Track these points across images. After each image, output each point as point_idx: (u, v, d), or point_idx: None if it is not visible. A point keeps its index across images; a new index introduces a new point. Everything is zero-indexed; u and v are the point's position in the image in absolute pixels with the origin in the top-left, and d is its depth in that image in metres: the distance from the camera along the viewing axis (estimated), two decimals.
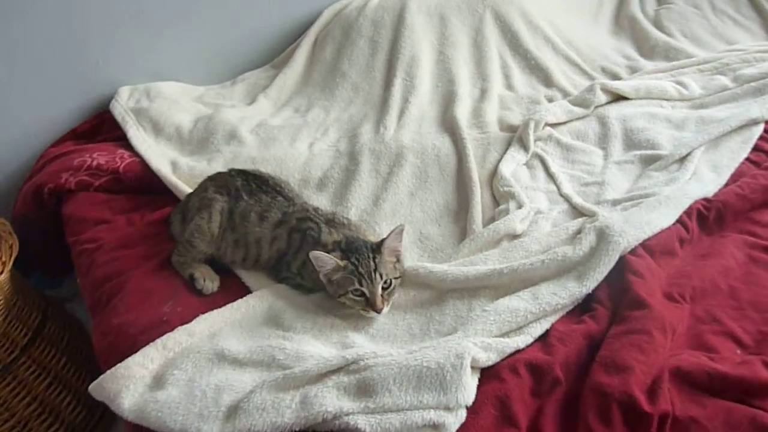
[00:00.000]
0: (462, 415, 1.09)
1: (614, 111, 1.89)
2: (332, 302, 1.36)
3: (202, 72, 2.27)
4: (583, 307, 1.31)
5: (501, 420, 1.11)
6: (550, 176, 1.71)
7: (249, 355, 1.24)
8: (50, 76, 2.03)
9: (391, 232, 1.32)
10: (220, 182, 1.55)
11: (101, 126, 2.04)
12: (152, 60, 2.18)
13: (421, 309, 1.36)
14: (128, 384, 1.20)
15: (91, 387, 1.22)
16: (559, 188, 1.66)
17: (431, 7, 2.21)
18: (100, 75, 2.11)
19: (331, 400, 1.11)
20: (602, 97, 1.92)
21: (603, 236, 1.35)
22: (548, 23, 2.26)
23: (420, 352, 1.17)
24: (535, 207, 1.57)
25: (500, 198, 1.63)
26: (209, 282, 1.45)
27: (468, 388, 1.11)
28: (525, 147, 1.78)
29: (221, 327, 1.33)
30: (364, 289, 1.30)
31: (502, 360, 1.19)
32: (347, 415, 1.08)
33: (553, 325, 1.26)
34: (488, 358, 1.17)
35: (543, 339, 1.24)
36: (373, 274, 1.30)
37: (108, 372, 1.22)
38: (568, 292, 1.28)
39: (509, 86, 2.09)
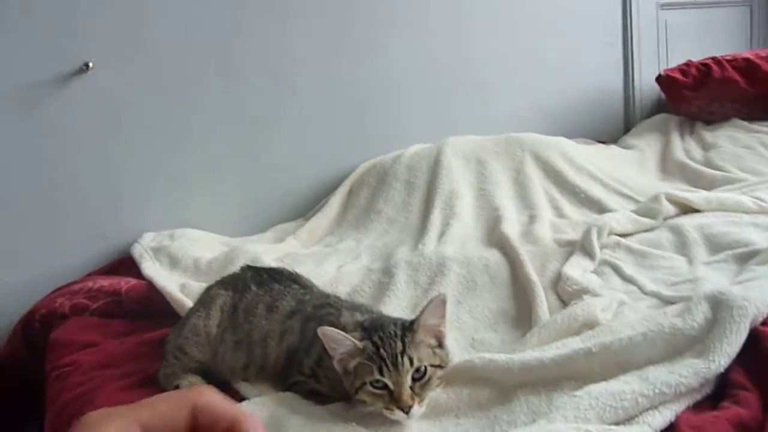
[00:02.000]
0: None
1: (688, 221, 1.57)
2: (354, 408, 0.94)
3: (233, 225, 2.08)
4: (716, 396, 0.86)
5: None
6: (627, 280, 1.34)
7: None
8: (73, 223, 1.87)
9: (428, 303, 0.96)
10: (227, 279, 1.24)
11: (119, 268, 1.80)
12: (182, 211, 2.02)
13: (480, 411, 0.92)
14: None
15: None
16: (641, 288, 1.28)
17: (467, 152, 2.06)
18: (126, 224, 1.94)
19: None
20: (669, 208, 1.61)
21: (720, 304, 0.95)
22: (592, 165, 2.06)
23: None
24: (617, 298, 1.19)
25: (570, 298, 1.25)
26: None
27: None
28: (590, 254, 1.44)
29: None
30: (386, 380, 0.89)
31: None
32: None
33: (678, 415, 0.81)
34: None
35: None
36: (399, 357, 0.90)
37: None
38: (691, 369, 0.85)
39: (560, 215, 1.82)
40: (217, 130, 2.03)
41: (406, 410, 0.88)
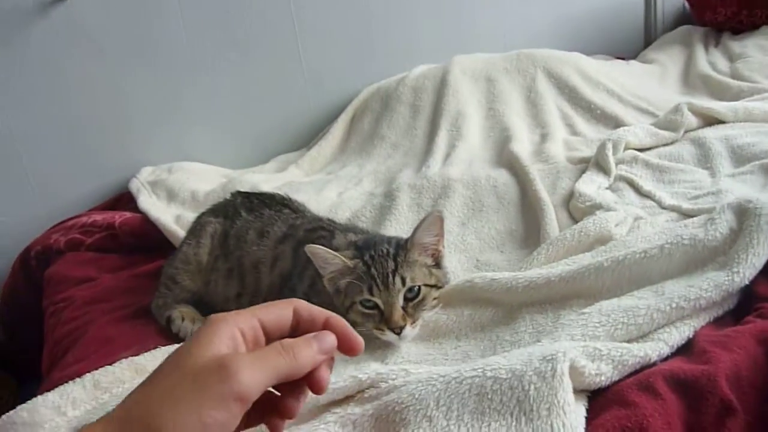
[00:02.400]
0: None
1: (711, 132, 1.45)
2: None
3: (234, 157, 2.01)
4: (739, 311, 0.79)
5: None
6: (644, 196, 1.24)
7: None
8: (70, 160, 1.81)
9: (423, 220, 0.88)
10: (217, 206, 1.17)
11: (117, 203, 1.75)
12: (181, 144, 1.95)
13: (482, 332, 0.86)
14: None
15: None
16: (659, 203, 1.19)
17: (475, 71, 1.93)
18: (125, 159, 1.88)
19: None
20: (692, 120, 1.49)
21: (746, 212, 0.86)
22: (609, 80, 1.92)
23: (479, 360, 0.67)
24: (633, 213, 1.10)
25: (582, 216, 1.17)
26: (189, 323, 1.02)
27: (569, 412, 0.59)
28: (605, 170, 1.34)
29: None
30: (376, 299, 0.84)
31: (625, 378, 0.67)
32: None
33: (697, 331, 0.74)
34: (599, 370, 0.66)
35: (687, 350, 0.72)
36: (390, 276, 0.84)
37: (4, 417, 0.76)
38: (712, 282, 0.77)
39: (574, 133, 1.71)
40: (216, 57, 1.92)
41: (398, 331, 0.83)
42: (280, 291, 1.00)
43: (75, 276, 1.31)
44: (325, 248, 0.85)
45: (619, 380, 0.67)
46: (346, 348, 0.53)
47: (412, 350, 0.84)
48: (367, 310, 0.85)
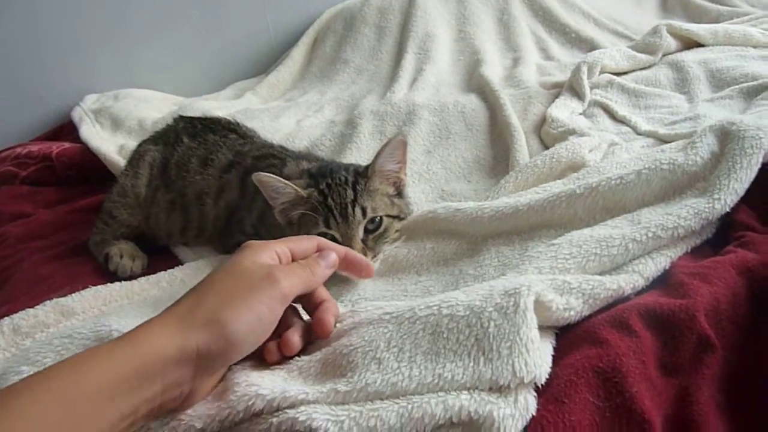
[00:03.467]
0: (527, 403, 0.51)
1: (690, 56, 1.37)
2: None
3: (187, 84, 1.87)
4: (717, 240, 0.73)
5: (610, 414, 0.52)
6: (619, 122, 1.17)
7: None
8: (9, 83, 1.66)
9: (385, 145, 0.79)
10: (157, 133, 1.06)
11: (59, 134, 1.62)
12: (130, 70, 1.80)
13: (444, 266, 0.79)
14: None
15: None
16: (635, 128, 1.12)
17: None
18: (67, 84, 1.73)
19: (269, 381, 0.54)
20: (671, 43, 1.41)
21: (729, 135, 0.79)
22: (584, 1, 1.82)
23: (435, 297, 0.60)
24: (608, 138, 1.03)
25: (554, 142, 1.09)
26: (128, 260, 0.93)
27: (533, 351, 0.53)
28: (579, 95, 1.26)
29: (121, 304, 0.78)
30: (334, 232, 0.76)
31: (597, 313, 0.61)
32: (298, 405, 0.51)
33: (674, 262, 0.68)
34: (568, 305, 0.60)
35: (663, 282, 0.66)
36: (350, 207, 0.76)
37: None
38: (691, 210, 0.70)
39: (548, 57, 1.61)
40: None
41: None
42: (227, 224, 0.92)
43: (8, 211, 1.20)
44: (276, 177, 0.76)
45: (590, 316, 0.61)
46: (360, 273, 0.69)
47: (369, 286, 0.77)
48: None
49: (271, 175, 0.76)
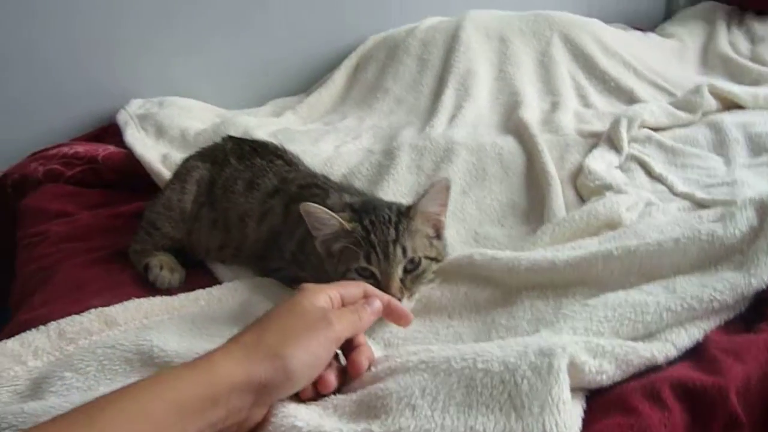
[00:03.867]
0: None
1: (730, 117, 1.38)
2: None
3: (229, 96, 1.91)
4: (752, 315, 0.74)
5: None
6: (656, 179, 1.18)
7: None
8: (57, 84, 1.71)
9: (430, 187, 0.82)
10: (206, 150, 1.09)
11: (103, 135, 1.66)
12: (175, 77, 1.84)
13: (477, 314, 0.81)
14: None
15: None
16: (671, 188, 1.13)
17: (489, 29, 1.83)
18: (115, 88, 1.77)
19: (305, 414, 0.56)
20: (711, 102, 1.42)
21: None
22: (626, 51, 1.83)
23: (471, 349, 0.62)
24: (644, 197, 1.04)
25: (590, 195, 1.11)
26: (167, 272, 0.96)
27: (564, 411, 0.54)
28: (617, 148, 1.27)
29: (161, 319, 0.81)
30: (374, 268, 0.78)
31: (628, 380, 0.62)
32: None
33: (707, 335, 0.69)
34: (600, 368, 0.61)
35: (696, 355, 0.67)
36: (391, 246, 0.78)
37: None
38: (728, 283, 0.72)
39: (586, 104, 1.63)
40: None
41: None
42: (267, 248, 0.94)
43: (51, 209, 1.24)
44: (323, 208, 0.79)
45: (622, 381, 0.63)
46: (399, 321, 0.72)
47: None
48: (362, 279, 0.78)
49: (318, 206, 0.79)
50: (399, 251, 0.79)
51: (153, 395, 0.50)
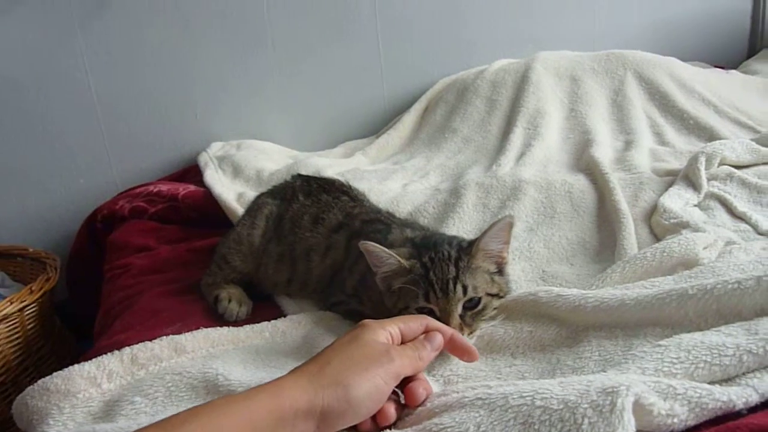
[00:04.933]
0: None
1: None
2: None
3: (303, 139, 1.98)
4: None
5: None
6: (738, 218, 1.12)
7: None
8: (146, 129, 1.84)
9: (492, 225, 0.81)
10: (276, 188, 1.13)
11: (185, 176, 1.76)
12: (253, 122, 1.94)
13: (541, 353, 0.78)
14: (62, 404, 0.72)
15: (15, 403, 0.75)
16: (755, 227, 1.06)
17: (560, 69, 1.82)
18: (197, 132, 1.89)
19: None
20: None
21: None
22: (706, 89, 1.77)
23: (529, 385, 0.60)
24: (724, 236, 0.98)
25: (665, 234, 1.06)
26: (235, 305, 0.99)
27: None
28: (695, 185, 1.22)
29: (227, 349, 0.83)
30: (433, 306, 0.77)
31: (704, 426, 0.58)
32: None
33: None
34: (671, 411, 0.57)
35: None
36: (451, 284, 0.77)
37: (38, 382, 0.75)
38: None
39: (662, 143, 1.57)
40: (296, 39, 1.90)
41: None
42: (330, 282, 0.96)
43: (135, 243, 1.32)
44: (381, 247, 0.79)
45: (695, 427, 0.58)
46: (463, 356, 0.73)
47: (462, 364, 0.77)
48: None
49: (377, 245, 0.79)
50: (459, 289, 0.78)
51: (228, 412, 0.54)
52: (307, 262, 0.98)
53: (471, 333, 0.78)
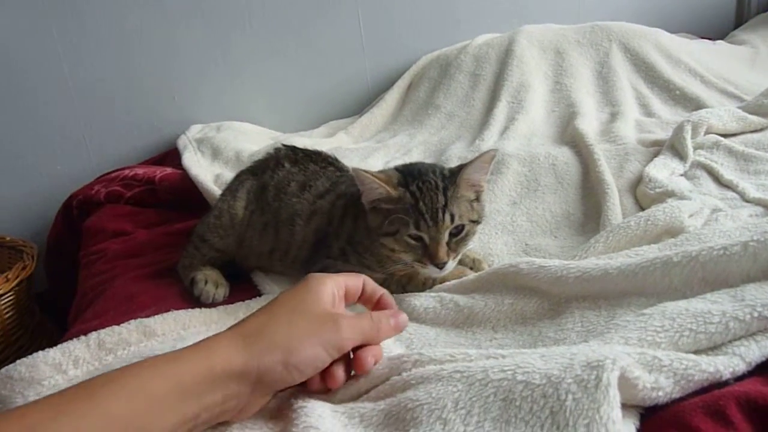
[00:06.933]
0: None
1: None
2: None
3: (285, 119, 1.94)
4: None
5: None
6: (725, 186, 1.09)
7: None
8: (124, 113, 1.79)
9: (478, 157, 0.83)
10: (256, 164, 1.09)
11: (165, 159, 1.72)
12: (232, 103, 1.90)
13: (522, 326, 0.75)
14: (26, 392, 0.69)
15: None
16: (742, 195, 1.04)
17: (544, 42, 1.78)
18: (176, 115, 1.84)
19: (329, 424, 0.53)
20: None
21: None
22: (692, 59, 1.74)
23: (510, 359, 0.57)
24: (711, 204, 0.96)
25: (650, 204, 1.03)
26: (212, 286, 0.95)
27: (613, 431, 0.48)
28: (681, 155, 1.19)
29: (199, 331, 0.80)
30: (423, 234, 0.81)
31: (689, 397, 0.56)
32: None
33: None
34: (657, 384, 0.54)
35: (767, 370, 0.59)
36: (440, 213, 0.81)
37: (2, 370, 0.72)
38: None
39: (648, 114, 1.54)
40: (274, 18, 1.85)
41: (441, 266, 0.82)
42: (314, 248, 0.93)
43: (111, 228, 1.28)
44: (371, 175, 0.81)
45: (681, 399, 0.56)
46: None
47: (441, 337, 0.75)
48: (411, 241, 0.82)
49: (367, 172, 0.81)
50: (447, 217, 0.81)
51: (154, 374, 0.51)
52: (291, 227, 0.96)
53: (455, 257, 0.83)
